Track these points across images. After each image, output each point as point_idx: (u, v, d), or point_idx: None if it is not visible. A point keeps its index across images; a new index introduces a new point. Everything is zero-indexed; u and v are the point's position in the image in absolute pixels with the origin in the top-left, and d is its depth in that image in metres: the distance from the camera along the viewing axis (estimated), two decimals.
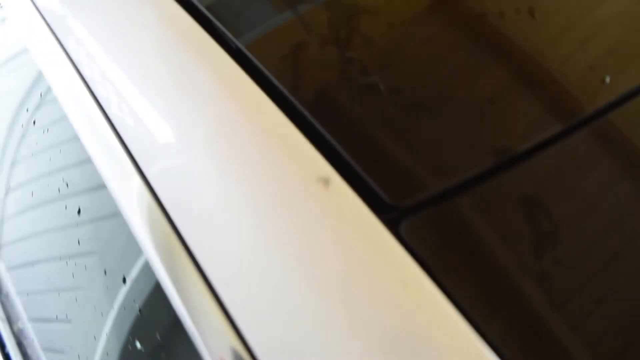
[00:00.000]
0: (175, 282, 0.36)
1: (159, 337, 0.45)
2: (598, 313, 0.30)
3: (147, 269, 0.41)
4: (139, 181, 0.40)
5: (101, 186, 0.47)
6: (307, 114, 0.36)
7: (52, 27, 0.57)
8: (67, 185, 0.67)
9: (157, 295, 0.40)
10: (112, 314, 0.54)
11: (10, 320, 0.94)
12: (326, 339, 0.29)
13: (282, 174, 0.34)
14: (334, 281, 0.30)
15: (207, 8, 0.43)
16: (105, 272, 0.52)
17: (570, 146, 0.34)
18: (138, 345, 0.48)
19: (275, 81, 0.37)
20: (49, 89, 0.66)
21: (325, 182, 0.33)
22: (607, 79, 0.38)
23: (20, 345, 0.90)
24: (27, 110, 0.72)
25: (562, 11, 0.41)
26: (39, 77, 0.69)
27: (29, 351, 0.88)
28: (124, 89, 0.44)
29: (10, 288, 0.96)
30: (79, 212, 0.62)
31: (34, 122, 0.70)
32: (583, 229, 0.32)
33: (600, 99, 0.37)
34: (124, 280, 0.48)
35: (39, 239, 0.85)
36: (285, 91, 0.37)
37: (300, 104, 0.36)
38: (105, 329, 0.55)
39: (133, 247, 0.43)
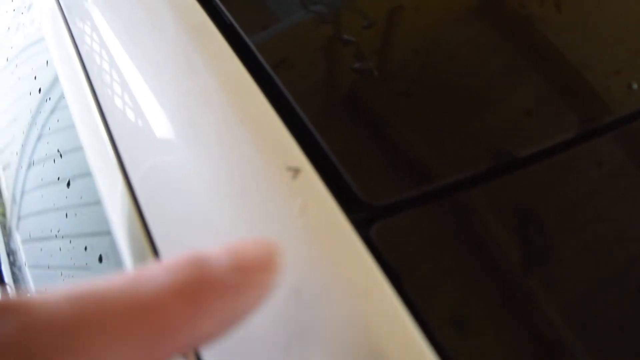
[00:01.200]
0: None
1: None
2: (570, 341, 0.26)
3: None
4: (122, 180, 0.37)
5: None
6: (289, 96, 0.32)
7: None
8: None
9: None
10: None
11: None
12: (270, 347, 0.26)
13: (251, 159, 0.30)
14: (289, 280, 0.27)
15: None
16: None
17: (568, 156, 0.30)
18: None
19: (260, 59, 0.34)
20: None
21: (295, 172, 0.29)
22: (635, 86, 0.33)
23: None
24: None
25: (585, 6, 0.36)
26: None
27: None
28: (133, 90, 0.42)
29: (24, 261, 0.97)
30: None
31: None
32: (575, 246, 0.28)
33: (622, 106, 0.32)
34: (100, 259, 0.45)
35: (56, 215, 0.85)
36: (270, 71, 0.34)
37: (283, 85, 0.33)
38: None
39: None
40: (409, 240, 0.27)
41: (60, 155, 0.84)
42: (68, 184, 0.73)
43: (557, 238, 0.27)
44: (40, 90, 0.84)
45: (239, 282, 0.19)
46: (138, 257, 0.35)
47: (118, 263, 0.45)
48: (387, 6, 0.37)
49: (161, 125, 0.35)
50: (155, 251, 0.33)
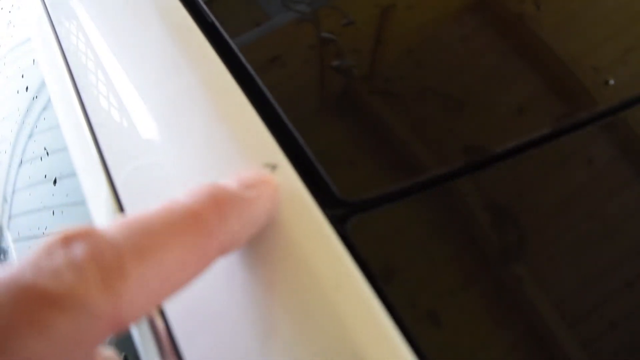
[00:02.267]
0: None
1: None
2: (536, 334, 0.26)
3: None
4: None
5: None
6: (267, 93, 0.33)
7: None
8: None
9: None
10: None
11: None
12: (247, 340, 0.26)
13: (228, 155, 0.31)
14: (261, 272, 0.27)
15: None
16: None
17: (542, 153, 0.30)
18: None
19: (240, 55, 0.35)
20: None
21: (273, 168, 0.30)
22: (611, 82, 0.34)
23: None
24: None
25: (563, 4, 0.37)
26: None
27: None
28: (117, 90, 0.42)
29: (16, 259, 0.96)
30: None
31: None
32: (551, 242, 0.28)
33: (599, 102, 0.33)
34: None
35: (48, 213, 0.84)
36: (249, 68, 0.34)
37: (262, 82, 0.33)
38: None
39: None
40: (385, 236, 0.28)
41: (47, 154, 0.84)
42: (54, 182, 0.73)
43: (533, 232, 0.28)
44: (27, 89, 0.84)
45: (250, 194, 0.25)
46: None
47: None
48: (369, 4, 0.38)
49: (144, 125, 0.35)
50: None
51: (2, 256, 1.00)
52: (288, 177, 0.29)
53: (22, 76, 0.86)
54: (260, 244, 0.27)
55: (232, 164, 0.31)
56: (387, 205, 0.29)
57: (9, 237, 0.99)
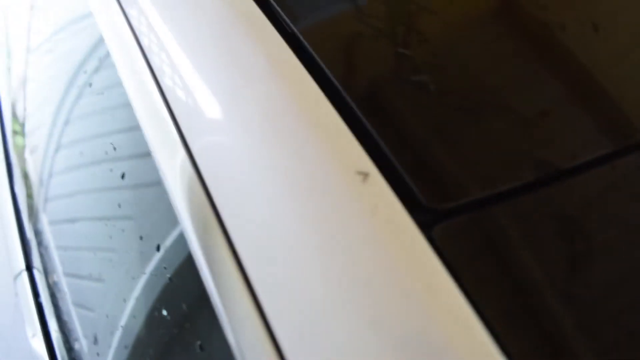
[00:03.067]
0: (207, 255, 0.37)
1: (185, 307, 0.46)
2: (626, 341, 0.29)
3: (182, 239, 0.42)
4: (184, 154, 0.41)
5: (146, 154, 0.48)
6: (353, 105, 0.36)
7: None
8: (115, 149, 0.69)
9: (188, 266, 0.41)
10: (143, 279, 0.55)
11: (46, 272, 0.97)
12: (346, 330, 0.30)
13: (322, 162, 0.34)
14: (360, 274, 0.30)
15: None
16: (141, 238, 0.54)
17: (620, 169, 0.33)
18: (164, 312, 0.49)
19: (326, 70, 0.38)
20: (107, 54, 0.68)
21: (365, 176, 0.33)
22: None
23: (53, 296, 0.93)
24: (85, 72, 0.74)
25: (627, 28, 0.40)
26: (100, 41, 0.71)
27: (61, 304, 0.91)
28: (179, 62, 0.45)
29: (51, 241, 0.99)
30: (122, 176, 0.64)
31: (90, 85, 0.72)
32: (622, 256, 0.31)
33: None
34: (158, 248, 0.49)
35: (82, 198, 0.87)
36: (335, 81, 0.37)
37: (348, 95, 0.36)
38: (134, 293, 0.57)
39: (170, 217, 0.44)
40: (468, 242, 0.31)
41: (86, 140, 0.86)
42: (95, 168, 0.76)
43: (599, 245, 0.31)
44: (74, 74, 0.87)
45: None
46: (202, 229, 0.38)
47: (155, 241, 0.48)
48: (440, 25, 0.41)
49: (241, 132, 0.38)
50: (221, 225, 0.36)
51: (37, 238, 1.03)
52: (380, 185, 0.32)
53: (68, 62, 0.88)
54: (359, 245, 0.31)
55: (324, 168, 0.34)
56: (468, 213, 0.32)
57: (44, 220, 1.02)
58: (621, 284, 0.30)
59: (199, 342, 0.44)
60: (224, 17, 0.44)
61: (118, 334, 0.62)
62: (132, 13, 0.52)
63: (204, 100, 0.41)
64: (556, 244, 0.31)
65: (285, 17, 0.42)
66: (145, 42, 0.48)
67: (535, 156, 0.34)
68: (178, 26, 0.47)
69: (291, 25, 0.41)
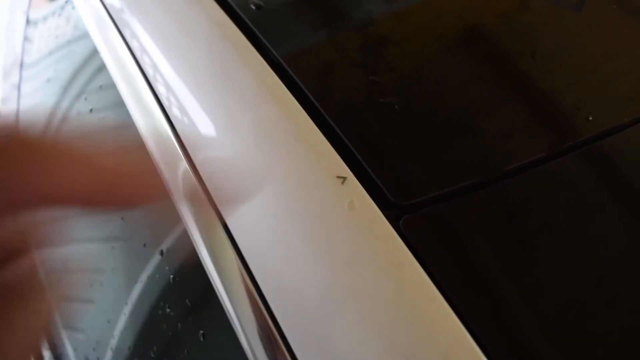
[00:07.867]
0: (212, 255, 0.44)
1: (189, 303, 0.52)
2: (581, 318, 0.37)
3: (182, 240, 0.49)
4: (185, 165, 0.47)
5: None
6: (332, 122, 0.43)
7: (113, 16, 0.65)
8: None
9: (190, 264, 0.48)
10: (139, 286, 0.61)
11: None
12: (332, 304, 0.36)
13: (308, 169, 0.41)
14: (339, 257, 0.37)
15: (251, 20, 0.51)
16: (144, 246, 0.60)
17: (552, 170, 0.41)
18: (167, 310, 0.55)
19: (307, 92, 0.45)
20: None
21: (344, 179, 0.40)
22: (590, 117, 0.45)
23: None
24: (85, 99, 0.80)
25: (556, 55, 0.48)
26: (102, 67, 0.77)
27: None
28: (178, 85, 0.52)
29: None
30: None
31: (91, 111, 0.77)
32: (557, 237, 0.39)
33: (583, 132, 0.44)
34: (162, 253, 0.55)
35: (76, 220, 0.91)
36: (316, 102, 0.44)
37: (328, 114, 0.44)
38: (125, 310, 0.61)
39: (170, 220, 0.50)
40: (429, 231, 0.38)
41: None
42: None
43: (537, 231, 0.38)
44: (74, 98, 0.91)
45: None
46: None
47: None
48: (405, 57, 0.48)
49: (236, 146, 0.45)
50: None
51: None
52: (356, 186, 0.39)
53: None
54: (339, 234, 0.37)
55: (309, 174, 0.41)
56: (428, 207, 0.39)
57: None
58: (563, 263, 0.38)
59: None
60: (219, 49, 0.51)
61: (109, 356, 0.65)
62: (134, 45, 0.59)
63: (203, 119, 0.48)
64: (501, 231, 0.39)
65: (271, 48, 0.49)
66: (150, 73, 0.55)
67: (482, 160, 0.42)
68: (173, 51, 0.54)
69: (277, 55, 0.49)
